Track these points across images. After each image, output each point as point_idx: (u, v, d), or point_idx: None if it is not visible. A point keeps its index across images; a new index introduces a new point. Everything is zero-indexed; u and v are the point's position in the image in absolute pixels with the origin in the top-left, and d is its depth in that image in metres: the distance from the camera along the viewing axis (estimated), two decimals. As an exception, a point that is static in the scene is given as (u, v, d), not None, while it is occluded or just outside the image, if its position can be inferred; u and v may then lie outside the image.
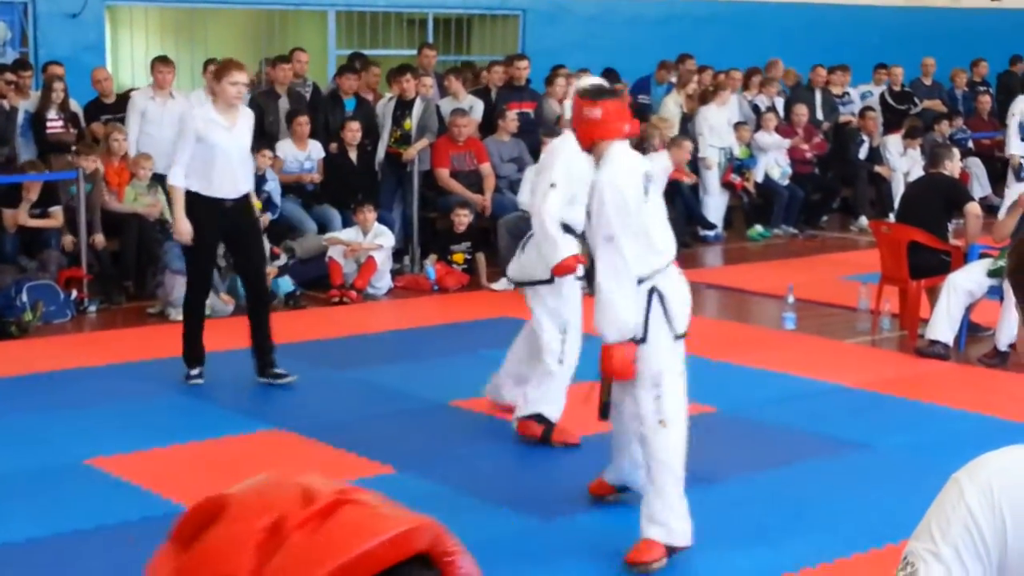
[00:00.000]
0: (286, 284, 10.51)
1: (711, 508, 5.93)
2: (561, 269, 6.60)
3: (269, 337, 7.99)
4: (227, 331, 9.21)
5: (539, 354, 6.83)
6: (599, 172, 5.31)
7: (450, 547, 1.04)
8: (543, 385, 6.80)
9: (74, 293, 10.03)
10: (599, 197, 5.16)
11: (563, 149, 6.74)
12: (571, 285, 6.81)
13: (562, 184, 6.67)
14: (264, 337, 7.98)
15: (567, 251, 6.56)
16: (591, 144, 5.42)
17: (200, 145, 7.61)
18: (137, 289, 10.67)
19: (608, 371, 5.22)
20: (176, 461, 6.53)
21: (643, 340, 5.18)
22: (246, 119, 7.89)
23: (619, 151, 5.38)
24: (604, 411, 5.46)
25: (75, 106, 11.56)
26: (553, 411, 6.82)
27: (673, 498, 5.24)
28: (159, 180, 11.06)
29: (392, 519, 1.00)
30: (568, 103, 6.95)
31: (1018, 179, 14.63)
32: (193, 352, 8.07)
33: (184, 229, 7.68)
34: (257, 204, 8.88)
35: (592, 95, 5.48)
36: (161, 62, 11.49)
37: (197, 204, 7.69)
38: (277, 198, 11.32)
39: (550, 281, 6.75)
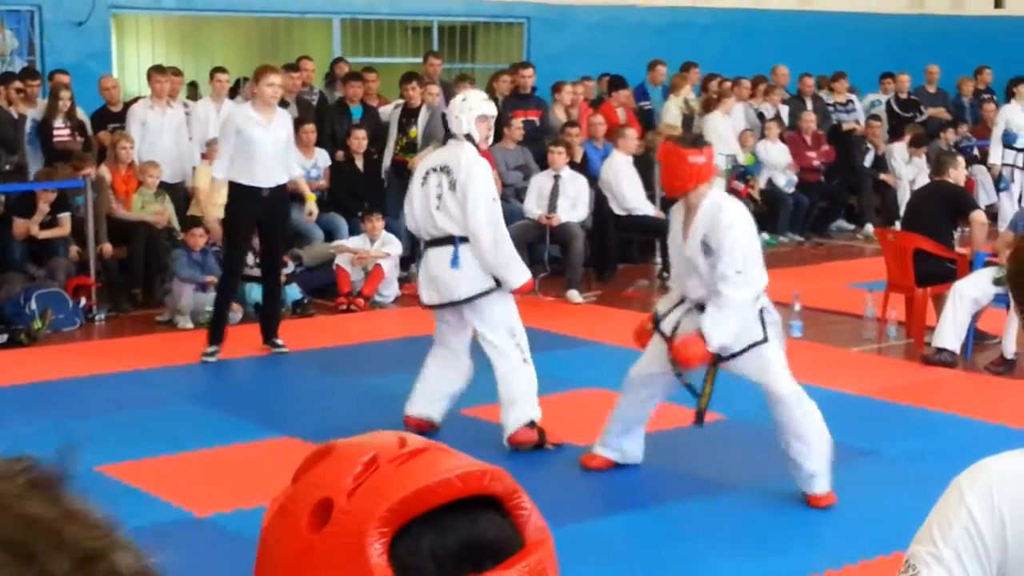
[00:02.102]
0: (293, 292, 10.53)
1: (720, 514, 5.96)
2: (523, 290, 6.91)
3: (277, 313, 9.17)
4: (235, 339, 9.25)
5: (503, 368, 6.78)
6: (719, 212, 5.82)
7: (523, 501, 1.21)
8: (522, 390, 6.79)
9: (83, 301, 10.06)
10: (731, 237, 5.77)
11: (478, 161, 6.79)
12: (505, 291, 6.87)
13: (496, 196, 6.83)
14: (272, 312, 9.11)
15: (527, 274, 6.91)
16: (693, 188, 5.86)
17: (239, 140, 8.49)
18: (145, 297, 10.70)
19: (680, 357, 5.91)
20: (185, 468, 6.56)
21: (764, 340, 5.91)
22: (281, 118, 8.79)
23: (720, 192, 6.01)
24: (700, 418, 6.23)
25: (82, 114, 11.60)
26: (537, 412, 6.84)
27: (826, 456, 5.98)
28: (166, 188, 11.13)
29: (468, 463, 1.18)
30: (467, 118, 6.80)
31: (998, 189, 14.55)
32: (216, 330, 8.89)
33: (215, 228, 9.08)
34: (311, 196, 9.59)
35: (695, 143, 6.04)
36: (158, 71, 11.55)
37: (238, 192, 8.62)
38: (284, 206, 11.35)
39: (488, 292, 6.74)
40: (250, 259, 10.33)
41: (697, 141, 6.16)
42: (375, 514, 1.13)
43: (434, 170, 6.85)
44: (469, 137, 6.85)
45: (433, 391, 7.02)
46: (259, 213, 8.64)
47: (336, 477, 1.17)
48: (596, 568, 5.28)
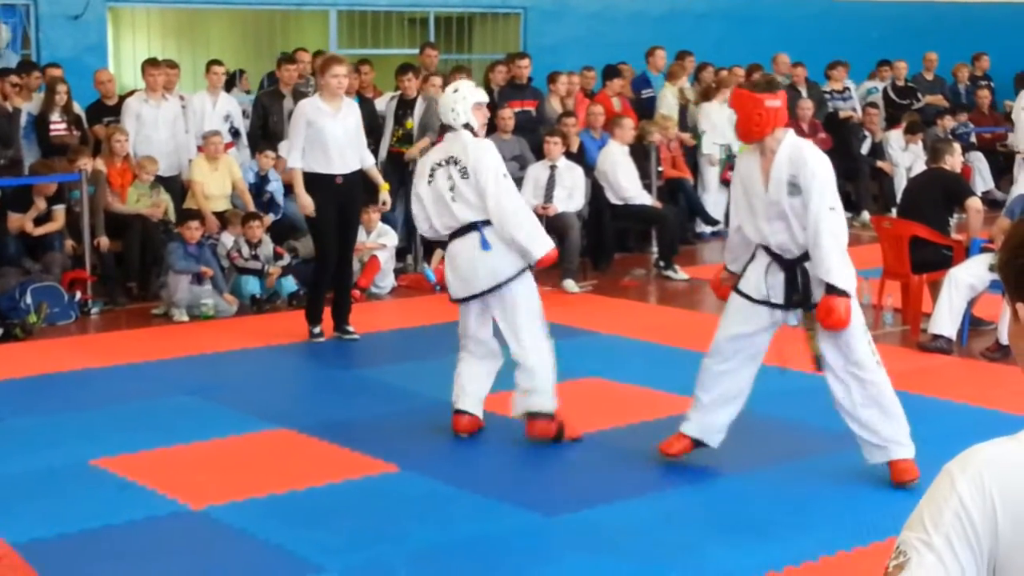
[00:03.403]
0: (289, 284, 10.53)
1: (715, 502, 5.96)
2: (547, 260, 6.75)
3: (348, 301, 9.28)
4: (231, 331, 9.26)
5: (524, 356, 6.72)
6: (804, 152, 5.80)
7: None
8: (546, 379, 6.73)
9: (78, 295, 10.05)
10: (820, 174, 5.77)
11: (481, 144, 6.79)
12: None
13: (506, 172, 6.77)
14: (344, 300, 9.24)
15: (550, 243, 6.84)
16: (771, 132, 5.84)
17: (311, 131, 8.76)
18: (141, 290, 10.68)
19: (834, 322, 5.78)
20: (181, 461, 6.55)
21: (848, 295, 5.82)
22: (349, 107, 9.04)
23: (793, 133, 5.92)
24: (820, 362, 6.11)
25: (78, 108, 11.57)
26: (555, 404, 6.77)
27: (905, 421, 5.98)
28: (162, 181, 11.11)
29: None
30: (463, 108, 6.78)
31: None
32: (314, 312, 9.19)
33: (307, 203, 8.89)
34: (385, 186, 9.75)
35: (768, 87, 5.99)
36: (151, 64, 11.51)
37: (315, 181, 8.86)
38: (280, 198, 11.35)
39: (519, 274, 6.73)
40: (246, 251, 10.36)
41: (771, 85, 6.08)
42: None
43: (439, 164, 6.80)
44: (468, 126, 6.84)
45: (478, 391, 6.91)
46: (335, 199, 8.87)
47: None
48: (592, 557, 5.28)
